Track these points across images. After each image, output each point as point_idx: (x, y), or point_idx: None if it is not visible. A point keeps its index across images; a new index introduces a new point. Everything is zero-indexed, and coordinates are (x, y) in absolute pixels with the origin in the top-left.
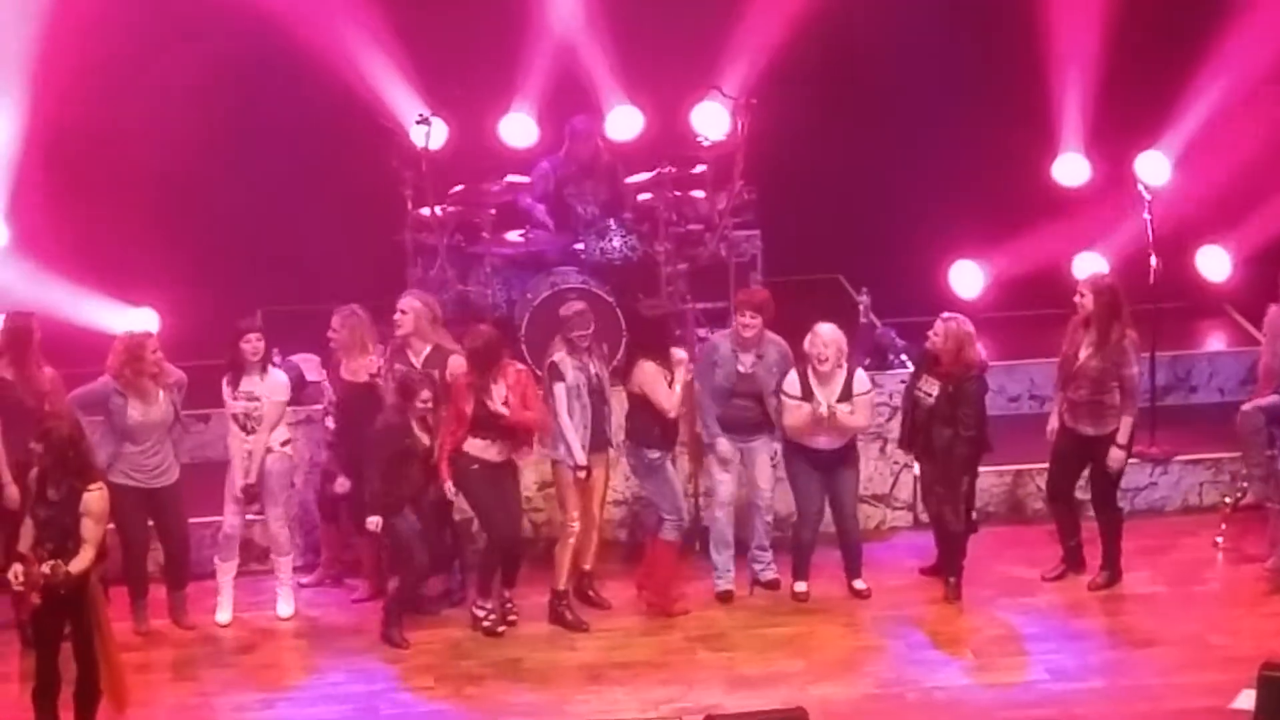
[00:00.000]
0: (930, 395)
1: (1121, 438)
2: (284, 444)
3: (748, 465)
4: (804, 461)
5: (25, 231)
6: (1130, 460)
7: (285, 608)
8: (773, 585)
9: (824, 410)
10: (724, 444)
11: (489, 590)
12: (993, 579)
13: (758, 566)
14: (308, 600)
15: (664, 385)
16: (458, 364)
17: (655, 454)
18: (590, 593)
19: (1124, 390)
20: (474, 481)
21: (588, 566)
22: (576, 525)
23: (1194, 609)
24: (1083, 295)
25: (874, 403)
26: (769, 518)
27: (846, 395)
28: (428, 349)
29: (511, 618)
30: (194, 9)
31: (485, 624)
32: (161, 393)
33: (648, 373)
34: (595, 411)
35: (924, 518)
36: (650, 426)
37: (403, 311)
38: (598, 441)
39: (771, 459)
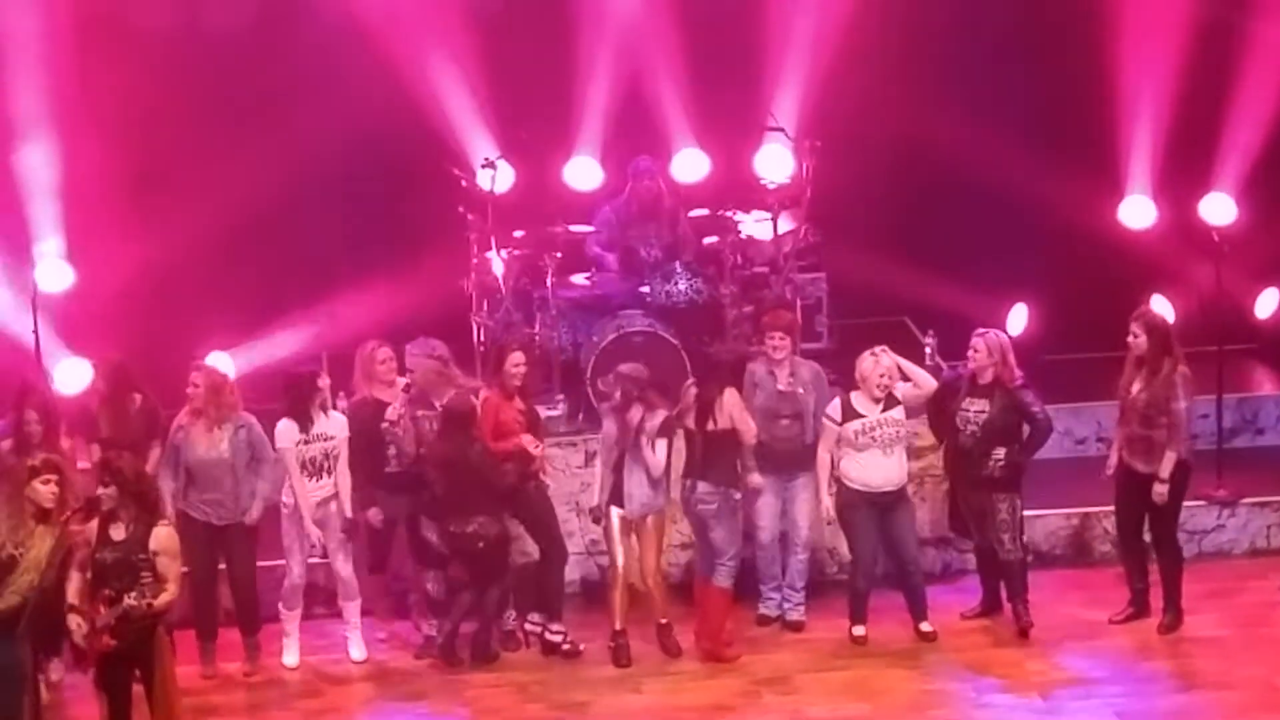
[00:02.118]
0: (983, 413)
1: (1164, 472)
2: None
3: (788, 502)
4: (859, 508)
5: (89, 273)
6: (1197, 502)
7: (358, 651)
8: (796, 627)
9: (872, 420)
10: (758, 478)
11: (560, 612)
12: (1059, 621)
13: (787, 605)
14: (374, 644)
15: (748, 413)
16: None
17: (738, 493)
18: (667, 640)
19: (1170, 424)
20: (534, 495)
21: (663, 620)
22: (617, 563)
23: (1262, 652)
24: (1136, 335)
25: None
26: (803, 555)
27: (893, 404)
28: (450, 393)
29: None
30: (257, 57)
31: (565, 647)
32: (229, 430)
33: (734, 401)
34: (617, 469)
35: None
36: (732, 463)
37: (411, 370)
38: (617, 497)
39: (814, 494)
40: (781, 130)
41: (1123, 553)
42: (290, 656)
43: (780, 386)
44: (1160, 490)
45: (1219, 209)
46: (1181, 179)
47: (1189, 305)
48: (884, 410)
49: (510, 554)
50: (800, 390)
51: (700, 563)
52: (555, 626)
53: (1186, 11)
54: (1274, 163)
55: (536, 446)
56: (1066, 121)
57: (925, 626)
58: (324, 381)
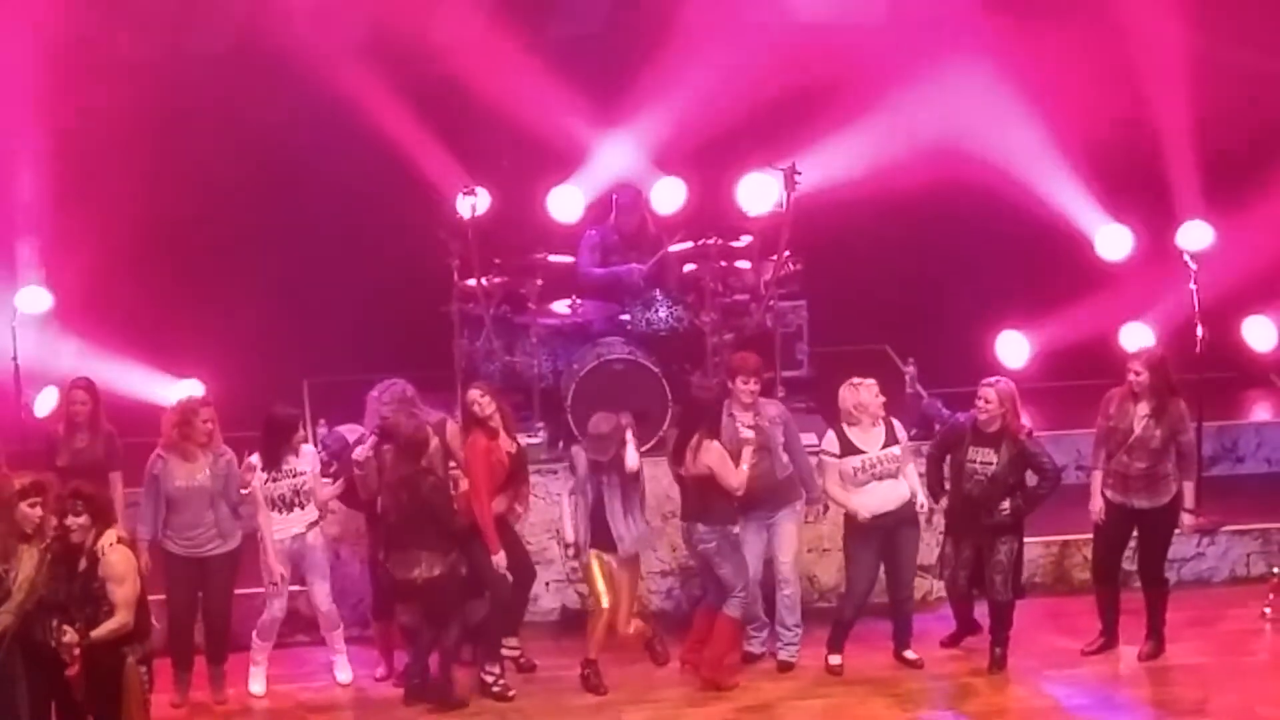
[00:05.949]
0: (990, 464)
1: (1189, 502)
2: (319, 519)
3: (770, 537)
4: (861, 536)
5: (68, 299)
6: (1176, 531)
7: (344, 674)
8: (786, 667)
9: (872, 457)
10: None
11: (497, 655)
12: (1038, 650)
13: (777, 645)
14: (361, 676)
15: (730, 465)
16: (455, 430)
17: (735, 528)
18: (658, 646)
19: (1184, 455)
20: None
21: (649, 635)
22: (603, 604)
23: (1241, 680)
24: (1138, 373)
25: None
26: (789, 591)
27: (892, 441)
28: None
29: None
30: (237, 83)
31: (495, 689)
32: (209, 459)
33: (714, 453)
34: (595, 511)
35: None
36: (723, 503)
37: (383, 415)
38: (601, 540)
39: (799, 525)
40: (763, 160)
41: (1100, 586)
42: (257, 685)
43: (742, 433)
44: (1191, 521)
45: (1195, 236)
46: (1158, 207)
47: (1167, 333)
48: (884, 447)
49: (460, 592)
50: (766, 424)
51: (711, 595)
52: (489, 666)
53: (1162, 41)
54: (1250, 189)
55: (515, 510)
56: (1046, 151)
57: (909, 654)
58: (299, 436)
